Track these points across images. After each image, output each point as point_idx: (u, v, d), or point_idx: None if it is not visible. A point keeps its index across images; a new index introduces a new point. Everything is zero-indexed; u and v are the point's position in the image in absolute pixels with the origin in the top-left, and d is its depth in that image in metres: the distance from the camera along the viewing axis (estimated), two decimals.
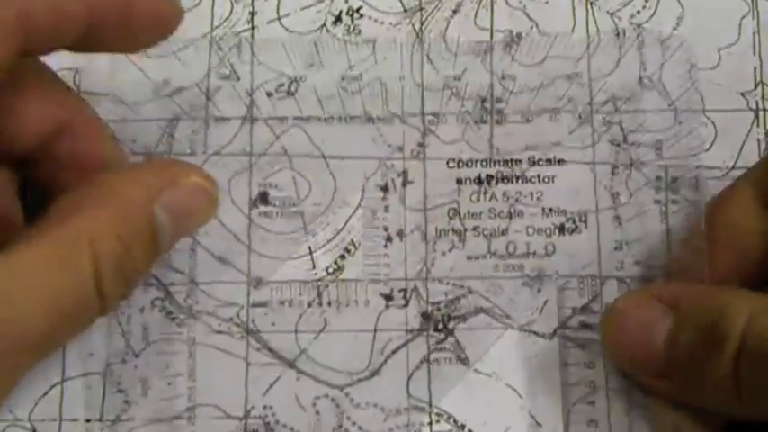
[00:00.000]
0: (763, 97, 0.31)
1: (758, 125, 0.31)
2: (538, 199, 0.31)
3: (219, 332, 0.30)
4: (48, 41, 0.24)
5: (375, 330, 0.30)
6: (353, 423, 0.29)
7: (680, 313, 0.26)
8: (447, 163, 0.31)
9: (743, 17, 0.32)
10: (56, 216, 0.23)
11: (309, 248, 0.30)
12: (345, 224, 0.31)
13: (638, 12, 0.32)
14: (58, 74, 0.28)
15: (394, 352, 0.30)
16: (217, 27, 0.32)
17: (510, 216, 0.30)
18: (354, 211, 0.31)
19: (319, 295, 0.30)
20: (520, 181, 0.31)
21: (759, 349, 0.24)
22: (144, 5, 0.26)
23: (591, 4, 0.32)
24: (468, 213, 0.31)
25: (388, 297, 0.30)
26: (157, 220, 0.24)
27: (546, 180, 0.31)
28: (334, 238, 0.30)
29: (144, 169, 0.26)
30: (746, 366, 0.24)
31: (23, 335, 0.22)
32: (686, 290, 0.27)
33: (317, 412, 0.29)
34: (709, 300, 0.26)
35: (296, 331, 0.30)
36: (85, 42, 0.25)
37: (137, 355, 0.29)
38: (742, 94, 0.31)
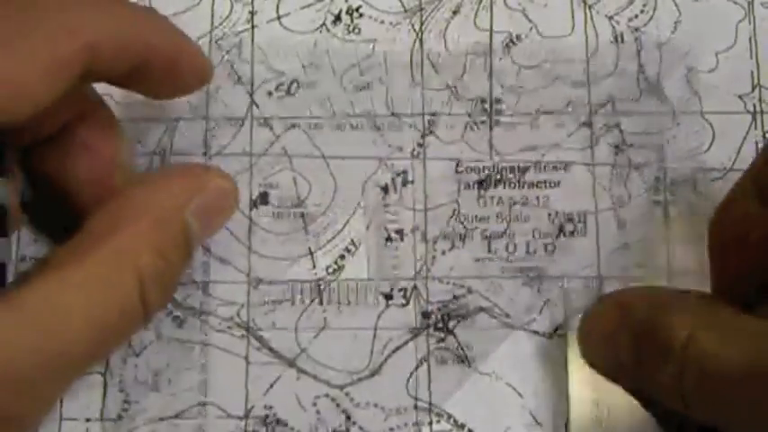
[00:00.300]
0: (760, 100, 0.31)
1: (756, 127, 0.31)
2: (543, 198, 0.31)
3: (220, 331, 0.30)
4: (105, 72, 0.25)
5: (375, 330, 0.30)
6: (354, 423, 0.29)
7: (633, 324, 0.26)
8: (449, 163, 0.31)
9: (739, 21, 0.32)
10: (92, 234, 0.24)
11: (310, 248, 0.30)
12: (346, 224, 0.31)
13: (636, 16, 0.32)
14: None
15: (394, 351, 0.30)
16: (216, 27, 0.32)
17: (510, 216, 0.31)
18: (355, 211, 0.31)
19: (320, 295, 0.30)
20: (521, 182, 0.31)
21: (698, 366, 0.24)
22: (190, 54, 0.27)
23: (589, 7, 0.32)
24: (469, 213, 0.31)
25: (389, 296, 0.30)
26: (189, 227, 0.25)
27: (548, 181, 0.31)
28: (334, 238, 0.30)
29: (171, 178, 0.27)
30: (689, 380, 0.24)
31: (71, 353, 0.22)
32: (640, 298, 0.27)
33: (318, 412, 0.29)
34: (656, 312, 0.25)
35: (296, 331, 0.30)
36: (132, 79, 0.26)
37: (137, 355, 0.29)
38: (740, 97, 0.31)
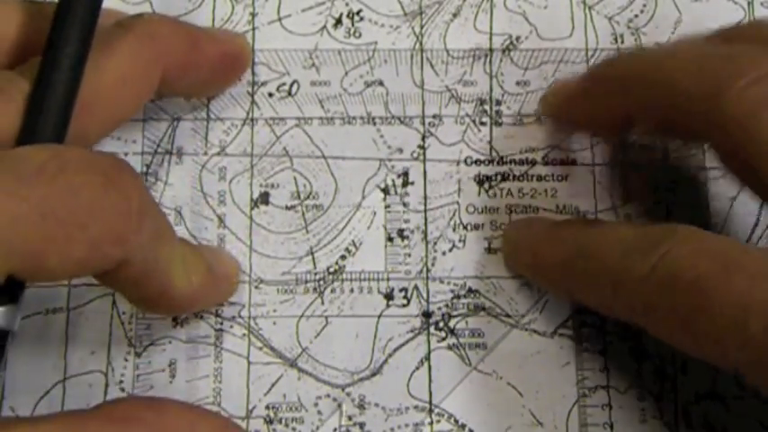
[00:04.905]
0: None
1: None
2: (550, 196, 0.31)
3: (221, 331, 0.30)
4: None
5: (376, 330, 0.30)
6: (355, 423, 0.29)
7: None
8: (450, 164, 0.31)
9: (739, 22, 0.32)
10: (103, 415, 0.22)
11: (310, 248, 0.30)
12: (346, 224, 0.31)
13: (636, 16, 0.32)
14: None
15: (395, 351, 0.30)
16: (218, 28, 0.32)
17: (510, 216, 0.31)
18: (355, 212, 0.31)
19: (320, 295, 0.30)
20: (522, 180, 0.31)
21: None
22: (211, 47, 0.29)
23: (589, 8, 0.32)
24: (469, 213, 0.31)
25: (389, 297, 0.30)
26: None
27: (552, 178, 0.31)
28: (335, 238, 0.31)
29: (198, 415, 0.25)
30: None
31: None
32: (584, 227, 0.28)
33: (319, 412, 0.29)
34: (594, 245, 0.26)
35: (297, 331, 0.30)
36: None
37: (138, 354, 0.29)
38: None
